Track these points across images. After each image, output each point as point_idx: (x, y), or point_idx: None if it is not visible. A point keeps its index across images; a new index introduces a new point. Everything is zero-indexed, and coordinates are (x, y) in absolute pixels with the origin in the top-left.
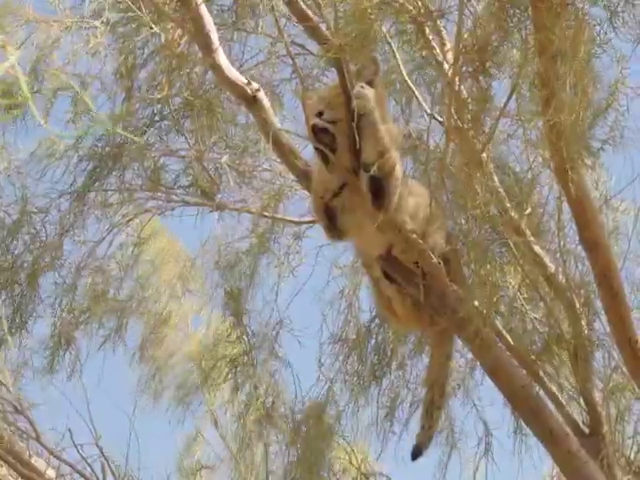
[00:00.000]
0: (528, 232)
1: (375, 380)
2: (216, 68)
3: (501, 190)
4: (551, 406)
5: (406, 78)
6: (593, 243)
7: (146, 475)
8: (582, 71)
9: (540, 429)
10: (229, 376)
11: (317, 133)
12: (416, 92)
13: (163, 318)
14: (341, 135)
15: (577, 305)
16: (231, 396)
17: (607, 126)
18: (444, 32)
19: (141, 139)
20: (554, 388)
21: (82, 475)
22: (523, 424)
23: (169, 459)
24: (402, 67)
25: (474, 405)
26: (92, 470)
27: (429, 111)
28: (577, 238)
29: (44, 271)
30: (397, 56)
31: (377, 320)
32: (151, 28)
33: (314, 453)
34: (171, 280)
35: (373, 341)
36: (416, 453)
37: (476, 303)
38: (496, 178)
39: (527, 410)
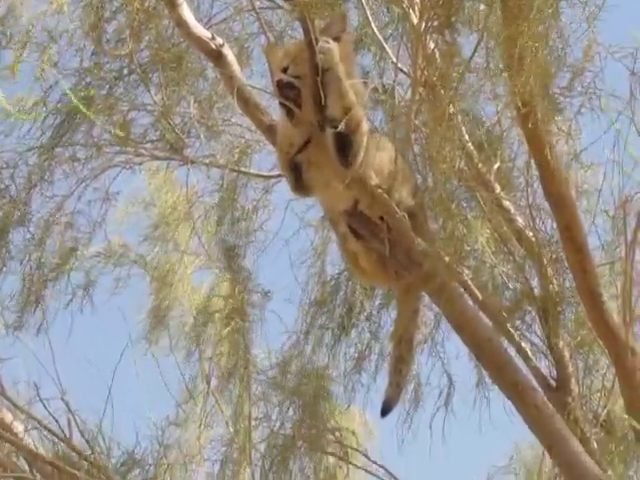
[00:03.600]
0: (497, 187)
1: (344, 333)
2: (181, 23)
3: (470, 145)
4: (519, 360)
5: (377, 33)
6: (558, 197)
7: (118, 431)
8: (546, 26)
9: (506, 383)
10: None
11: (282, 88)
12: (386, 47)
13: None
14: (306, 90)
15: (546, 261)
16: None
17: (582, 87)
18: None
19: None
20: (522, 343)
21: (48, 430)
22: (486, 378)
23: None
24: (372, 22)
25: (440, 358)
26: (59, 425)
27: (397, 65)
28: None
29: (14, 226)
30: (367, 11)
31: (345, 274)
32: None
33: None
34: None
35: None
36: (385, 409)
37: (442, 257)
38: (465, 133)
39: (493, 364)
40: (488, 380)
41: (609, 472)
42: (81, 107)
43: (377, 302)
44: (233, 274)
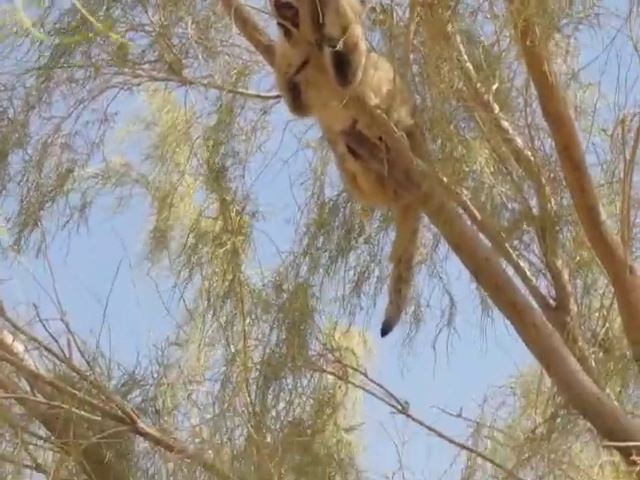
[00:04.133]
0: (495, 107)
1: (342, 254)
2: None
3: (468, 64)
4: (517, 281)
5: None
6: (556, 116)
7: (118, 352)
8: None
9: (504, 302)
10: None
11: (279, 8)
12: None
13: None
14: (304, 9)
15: (544, 180)
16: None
17: (581, 4)
18: None
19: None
20: (521, 263)
21: (48, 350)
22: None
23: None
24: None
25: (440, 279)
26: (59, 345)
27: None
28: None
29: (12, 148)
30: None
31: (344, 196)
32: None
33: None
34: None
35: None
36: (385, 330)
37: (440, 178)
38: (463, 53)
39: (491, 284)
40: (489, 301)
41: (607, 391)
42: (91, 18)
43: (376, 224)
44: (227, 195)
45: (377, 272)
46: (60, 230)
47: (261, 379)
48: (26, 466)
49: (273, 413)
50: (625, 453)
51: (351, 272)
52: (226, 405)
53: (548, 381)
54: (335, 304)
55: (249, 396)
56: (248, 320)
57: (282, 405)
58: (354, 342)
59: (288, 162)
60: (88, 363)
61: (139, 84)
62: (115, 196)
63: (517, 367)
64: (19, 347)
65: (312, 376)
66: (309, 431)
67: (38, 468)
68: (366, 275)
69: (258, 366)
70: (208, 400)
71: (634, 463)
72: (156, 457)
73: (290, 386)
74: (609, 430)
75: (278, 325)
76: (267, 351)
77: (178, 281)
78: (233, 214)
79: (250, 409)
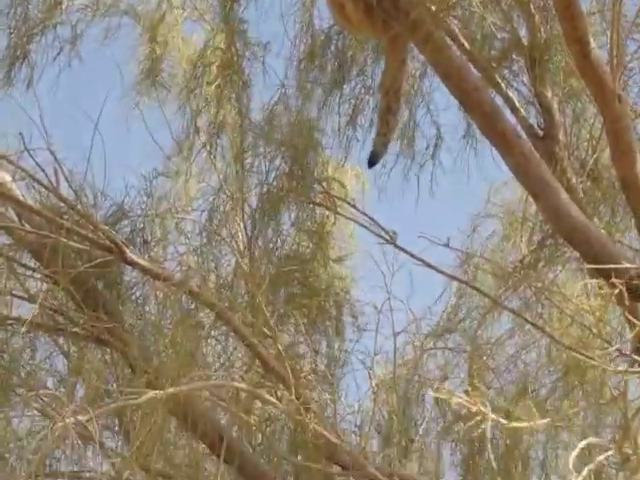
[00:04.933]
0: None
1: (336, 87)
2: None
3: None
4: (506, 111)
5: None
6: None
7: (106, 184)
8: None
9: (493, 132)
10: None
11: None
12: None
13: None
14: None
15: (533, 9)
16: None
17: None
18: None
19: None
20: (510, 93)
21: (36, 180)
22: (475, 129)
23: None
24: None
25: (428, 109)
26: (46, 176)
27: None
28: None
29: None
30: None
31: (336, 28)
32: None
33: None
34: None
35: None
36: (372, 160)
37: (429, 6)
38: None
39: (480, 113)
40: (477, 131)
41: (595, 220)
42: None
43: (370, 56)
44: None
45: (372, 104)
46: (50, 63)
47: (257, 212)
48: (15, 296)
49: (265, 245)
50: (608, 277)
51: (346, 105)
52: (213, 234)
53: (534, 208)
54: (329, 136)
55: (244, 226)
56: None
57: (275, 238)
58: (347, 176)
59: None
60: (76, 193)
61: None
62: (104, 27)
63: (504, 197)
64: (6, 177)
65: (307, 209)
66: (301, 264)
67: (28, 298)
68: (360, 107)
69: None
70: (196, 230)
71: (614, 286)
72: (144, 286)
73: (285, 219)
74: (595, 257)
75: (275, 157)
76: (264, 182)
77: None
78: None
79: (241, 240)
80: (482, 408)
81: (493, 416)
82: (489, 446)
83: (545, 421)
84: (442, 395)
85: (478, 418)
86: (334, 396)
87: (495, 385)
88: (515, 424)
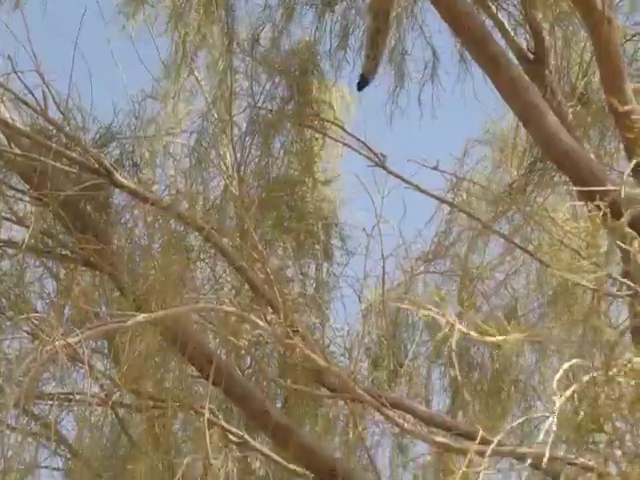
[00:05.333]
0: None
1: (329, 9)
2: None
3: None
4: (496, 34)
5: None
6: None
7: (95, 107)
8: None
9: (483, 57)
10: None
11: None
12: None
13: None
14: None
15: None
16: None
17: None
18: None
19: None
20: (500, 16)
21: (24, 102)
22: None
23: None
24: None
25: (421, 31)
26: (35, 98)
27: None
28: None
29: None
30: None
31: None
32: None
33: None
34: None
35: None
36: (362, 83)
37: None
38: None
39: (471, 38)
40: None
41: (585, 145)
42: None
43: None
44: None
45: (362, 26)
46: None
47: (245, 135)
48: (5, 219)
49: (254, 169)
50: (594, 199)
51: (337, 25)
52: (201, 157)
53: (525, 136)
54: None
55: (232, 148)
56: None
57: (264, 161)
58: (338, 99)
59: None
60: (64, 116)
61: None
62: None
63: (495, 123)
64: None
65: (296, 131)
66: (290, 187)
67: (17, 221)
68: (352, 29)
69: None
70: (184, 153)
71: (599, 208)
72: (133, 210)
73: (274, 142)
74: (583, 180)
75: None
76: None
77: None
78: None
79: (229, 163)
80: (450, 320)
81: (462, 328)
82: (454, 359)
83: (518, 336)
84: (409, 306)
85: (447, 330)
86: (323, 319)
87: (485, 309)
88: (488, 338)
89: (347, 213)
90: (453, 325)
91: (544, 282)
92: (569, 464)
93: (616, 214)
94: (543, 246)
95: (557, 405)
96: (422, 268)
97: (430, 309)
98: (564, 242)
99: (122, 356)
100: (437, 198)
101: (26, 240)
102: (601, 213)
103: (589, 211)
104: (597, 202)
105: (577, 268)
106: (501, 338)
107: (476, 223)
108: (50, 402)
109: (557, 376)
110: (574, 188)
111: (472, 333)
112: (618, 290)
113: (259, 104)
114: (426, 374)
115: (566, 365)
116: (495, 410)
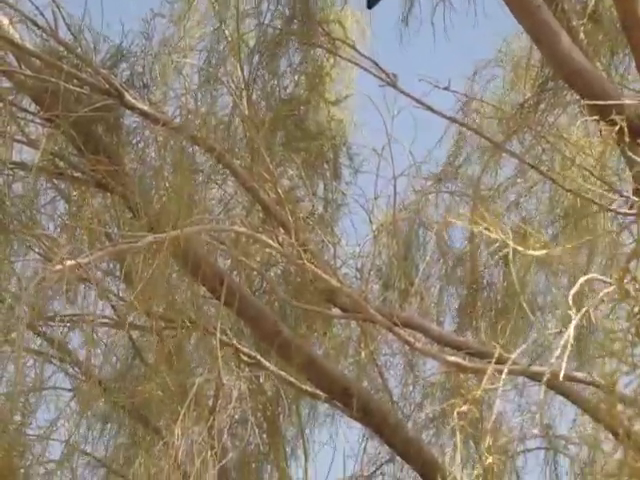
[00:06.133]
0: None
1: None
2: None
3: None
4: None
5: None
6: None
7: (105, 27)
8: None
9: None
10: None
11: None
12: None
13: None
14: None
15: None
16: None
17: None
18: None
19: None
20: None
21: (34, 23)
22: None
23: None
24: None
25: None
26: (45, 19)
27: None
28: None
29: None
30: None
31: None
32: None
33: None
34: None
35: None
36: (372, 0)
37: None
38: None
39: None
40: None
41: (597, 65)
42: None
43: None
44: None
45: None
46: None
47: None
48: (17, 141)
49: (264, 88)
50: (607, 117)
51: None
52: (211, 75)
53: (537, 55)
54: None
55: (241, 68)
56: None
57: (274, 80)
58: (348, 20)
59: None
60: (75, 37)
61: None
62: None
63: (506, 42)
64: (3, 20)
65: (306, 51)
66: (299, 107)
67: (29, 143)
68: None
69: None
70: (194, 72)
71: (614, 123)
72: (144, 131)
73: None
74: (595, 98)
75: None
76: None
77: None
78: None
79: (239, 83)
80: (501, 235)
81: (511, 243)
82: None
83: (559, 248)
84: (462, 222)
85: (497, 244)
86: (334, 240)
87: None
88: (532, 252)
89: (358, 133)
90: (505, 241)
91: (556, 202)
92: (582, 382)
93: (628, 132)
94: (555, 166)
95: (573, 321)
96: (433, 188)
97: (480, 224)
98: (576, 161)
99: (135, 278)
100: (448, 118)
101: (33, 159)
102: (617, 128)
103: (600, 130)
104: (613, 117)
105: (589, 187)
106: (544, 252)
107: (487, 143)
108: (61, 324)
109: (572, 291)
110: (587, 102)
111: (518, 248)
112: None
113: (268, 22)
114: (438, 294)
115: (582, 279)
116: (509, 329)
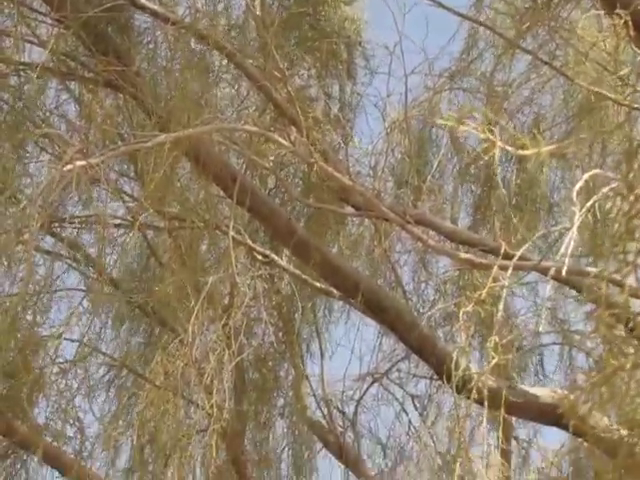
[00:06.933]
0: None
1: None
2: None
3: None
4: None
5: None
6: None
7: None
8: None
9: None
10: None
11: None
12: None
13: None
14: None
15: None
16: None
17: None
18: None
19: None
20: None
21: None
22: None
23: None
24: None
25: None
26: None
27: None
28: None
29: None
30: None
31: None
32: None
33: None
34: None
35: None
36: None
37: None
38: None
39: None
40: None
41: None
42: None
43: None
44: None
45: None
46: None
47: None
48: (27, 41)
49: None
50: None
51: None
52: None
53: None
54: None
55: None
56: None
57: None
58: None
59: None
60: None
61: None
62: None
63: None
64: None
65: None
66: (312, 6)
67: (39, 43)
68: None
69: None
70: None
71: (620, 16)
72: (155, 31)
73: None
74: None
75: None
76: None
77: None
78: None
79: None
80: (490, 135)
81: (500, 143)
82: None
83: (550, 147)
84: (448, 122)
85: (486, 145)
86: (347, 139)
87: (510, 127)
88: (522, 151)
89: (370, 31)
90: (493, 141)
91: (570, 98)
92: (590, 276)
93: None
94: (569, 62)
95: (577, 217)
96: (446, 86)
97: (469, 124)
98: (589, 56)
99: (146, 177)
100: (460, 15)
101: (44, 60)
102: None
103: (614, 24)
104: (618, 11)
105: (602, 82)
106: (533, 151)
107: (500, 40)
108: (75, 225)
109: (577, 186)
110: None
111: (509, 148)
112: None
113: None
114: (452, 191)
115: (586, 175)
116: (520, 226)
